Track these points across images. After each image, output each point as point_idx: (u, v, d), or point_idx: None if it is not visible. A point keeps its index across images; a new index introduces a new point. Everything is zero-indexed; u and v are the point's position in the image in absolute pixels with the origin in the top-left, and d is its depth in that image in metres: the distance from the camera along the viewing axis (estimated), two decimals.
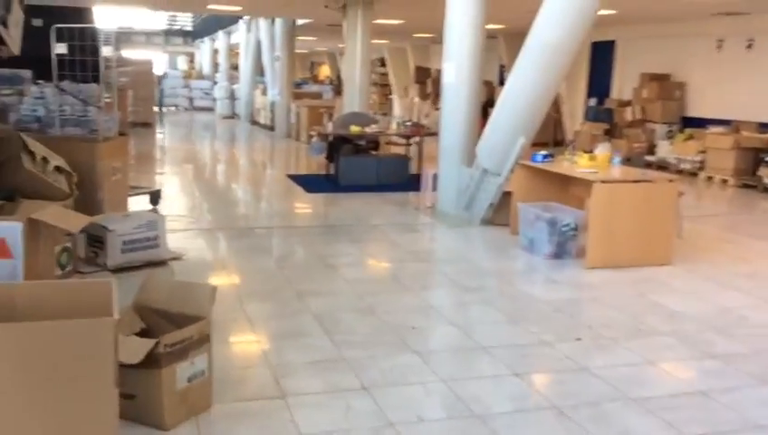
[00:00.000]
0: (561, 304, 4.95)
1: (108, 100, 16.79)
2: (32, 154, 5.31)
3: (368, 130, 10.05)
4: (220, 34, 25.56)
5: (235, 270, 5.59)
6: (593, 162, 6.58)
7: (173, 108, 26.47)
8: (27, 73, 12.72)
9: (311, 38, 21.69)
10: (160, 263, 5.55)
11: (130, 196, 7.49)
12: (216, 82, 25.53)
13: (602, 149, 6.86)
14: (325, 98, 18.70)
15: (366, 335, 4.21)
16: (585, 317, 4.73)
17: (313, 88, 23.52)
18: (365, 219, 7.62)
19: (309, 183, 9.92)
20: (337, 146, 10.59)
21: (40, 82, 11.03)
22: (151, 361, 2.95)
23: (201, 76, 29.00)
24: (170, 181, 9.97)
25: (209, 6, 12.94)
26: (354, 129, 9.92)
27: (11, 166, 5.27)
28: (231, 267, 5.64)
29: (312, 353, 3.90)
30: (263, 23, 18.21)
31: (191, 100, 26.56)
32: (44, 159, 5.40)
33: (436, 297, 5.12)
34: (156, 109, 25.34)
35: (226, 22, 23.23)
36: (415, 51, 23.69)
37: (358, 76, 11.71)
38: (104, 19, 29.21)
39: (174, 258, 5.72)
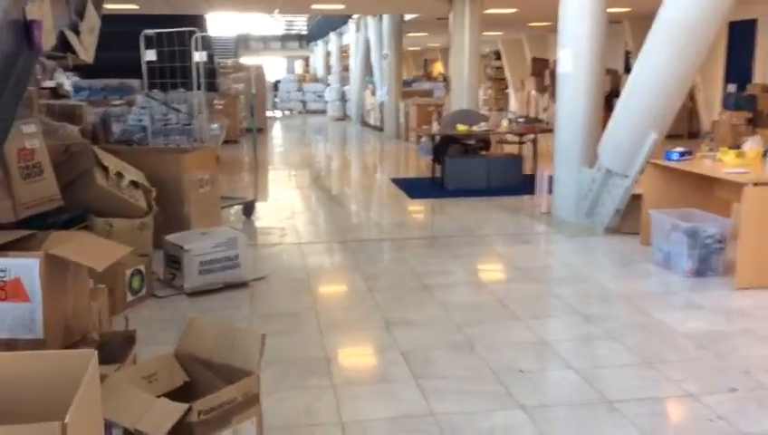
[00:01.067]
0: (706, 338, 4.02)
1: (219, 107, 16.74)
2: (105, 169, 4.96)
3: (475, 128, 9.27)
4: (332, 36, 25.44)
5: (321, 292, 5.01)
6: (742, 160, 5.52)
7: (287, 112, 26.65)
8: (136, 83, 12.81)
9: (421, 34, 21.04)
10: (241, 284, 5.06)
11: (223, 208, 7.12)
12: (328, 85, 25.45)
13: (753, 144, 5.77)
14: (436, 95, 17.98)
15: (461, 381, 3.48)
16: (739, 357, 3.78)
17: (426, 85, 22.87)
18: (471, 229, 6.86)
19: (413, 188, 9.26)
20: (444, 147, 9.89)
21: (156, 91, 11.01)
22: (182, 431, 2.38)
23: (316, 79, 29.07)
24: (271, 189, 9.62)
25: (313, 6, 12.59)
26: (461, 128, 9.16)
27: (82, 182, 4.94)
28: (316, 288, 5.07)
29: (393, 406, 3.22)
30: (371, 21, 17.75)
31: (304, 103, 26.63)
32: (119, 174, 5.04)
33: (551, 329, 4.31)
34: (270, 114, 25.64)
35: (337, 23, 23.01)
36: (531, 41, 22.54)
37: (466, 71, 10.94)
38: (224, 26, 29.84)
39: (257, 279, 5.22)
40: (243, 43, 35.80)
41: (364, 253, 6.06)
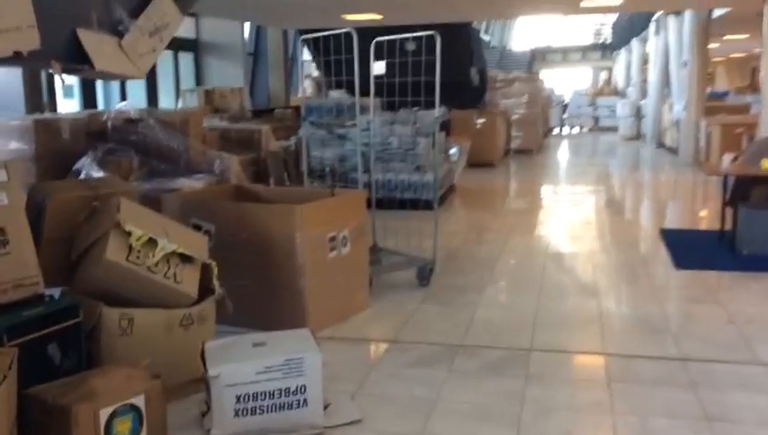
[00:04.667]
0: None
1: (478, 126, 14.69)
2: (128, 235, 3.35)
3: None
4: (634, 43, 22.27)
5: None
6: None
7: (575, 129, 23.93)
8: (370, 101, 11.44)
9: (740, 36, 17.02)
10: None
11: (377, 275, 5.21)
12: (626, 98, 22.26)
13: None
14: (753, 112, 14.08)
15: None
16: None
17: (747, 99, 18.55)
18: (756, 345, 4.03)
19: (687, 247, 6.42)
20: (744, 187, 6.85)
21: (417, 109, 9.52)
22: None
23: (615, 92, 25.91)
24: (494, 236, 7.46)
25: (582, 5, 10.16)
26: (766, 164, 6.09)
27: (92, 255, 3.40)
28: None
29: None
30: (671, 21, 14.52)
31: (596, 119, 23.70)
32: (150, 242, 3.39)
33: None
34: (557, 131, 23.17)
35: (640, 26, 19.81)
36: None
37: None
38: (525, 39, 28.21)
39: (342, 425, 3.20)
40: (539, 56, 33.88)
41: (543, 385, 3.65)
